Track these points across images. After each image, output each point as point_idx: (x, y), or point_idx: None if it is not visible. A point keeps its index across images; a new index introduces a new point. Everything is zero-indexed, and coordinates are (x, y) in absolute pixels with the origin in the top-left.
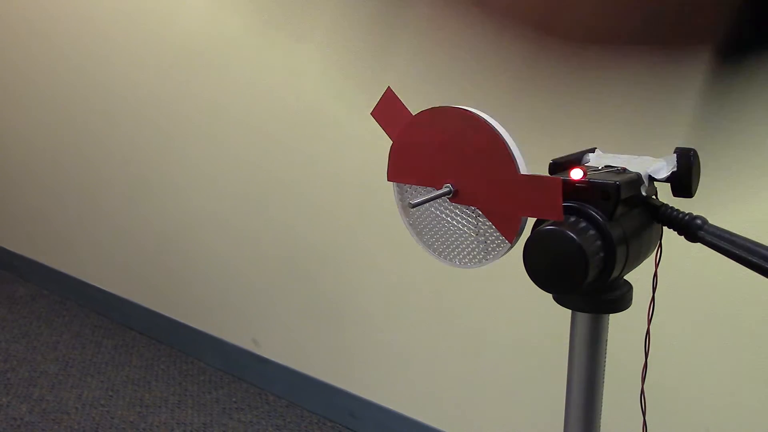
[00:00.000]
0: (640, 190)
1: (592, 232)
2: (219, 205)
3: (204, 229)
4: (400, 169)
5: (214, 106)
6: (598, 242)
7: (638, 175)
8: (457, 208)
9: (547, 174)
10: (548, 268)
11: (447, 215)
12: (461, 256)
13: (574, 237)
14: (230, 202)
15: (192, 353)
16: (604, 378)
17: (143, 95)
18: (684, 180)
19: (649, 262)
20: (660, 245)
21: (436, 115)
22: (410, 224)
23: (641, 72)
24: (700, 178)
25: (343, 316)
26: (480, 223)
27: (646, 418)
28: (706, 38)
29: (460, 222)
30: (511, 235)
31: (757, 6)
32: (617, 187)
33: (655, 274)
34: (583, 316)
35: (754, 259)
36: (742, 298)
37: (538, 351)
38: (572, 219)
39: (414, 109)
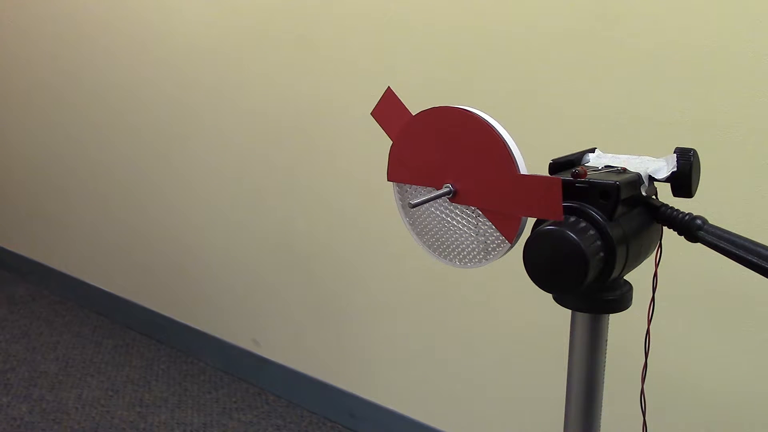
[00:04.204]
0: (640, 190)
1: (592, 232)
2: (220, 204)
3: (204, 228)
4: (400, 169)
5: (216, 104)
6: (598, 242)
7: (638, 175)
8: (457, 208)
9: (547, 174)
10: (548, 268)
11: (447, 215)
12: (461, 256)
13: (574, 237)
14: (230, 201)
15: (192, 353)
16: (604, 378)
17: (145, 92)
18: (684, 180)
19: (649, 262)
20: (660, 245)
21: (436, 115)
22: (410, 224)
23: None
24: (700, 178)
25: (343, 316)
26: (480, 223)
27: (646, 418)
28: None
29: (460, 222)
30: (511, 235)
31: None
32: (617, 187)
33: (655, 274)
34: (583, 316)
35: (754, 259)
36: (742, 298)
37: (538, 351)
38: (572, 219)
39: (414, 109)
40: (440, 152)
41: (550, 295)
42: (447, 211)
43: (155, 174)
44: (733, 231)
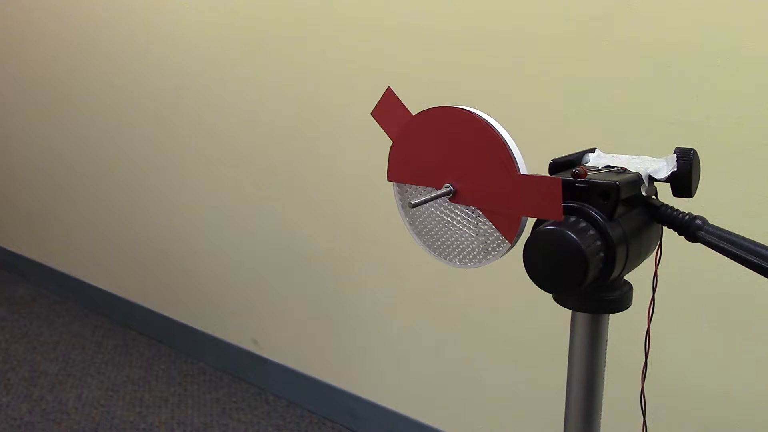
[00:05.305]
0: (640, 190)
1: (592, 232)
2: (220, 205)
3: (204, 228)
4: (400, 169)
5: (216, 104)
6: (598, 242)
7: (638, 175)
8: (457, 208)
9: (547, 174)
10: (548, 268)
11: (447, 215)
12: (461, 256)
13: (574, 237)
14: (231, 201)
15: (192, 353)
16: (604, 378)
17: (145, 92)
18: (684, 180)
19: (649, 262)
20: (660, 245)
21: (436, 115)
22: (410, 224)
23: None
24: (700, 178)
25: (343, 316)
26: (480, 223)
27: (646, 418)
28: None
29: (460, 222)
30: (511, 235)
31: None
32: (617, 187)
33: (655, 274)
34: (583, 316)
35: (754, 259)
36: (742, 298)
37: (538, 351)
38: (572, 219)
39: (414, 109)
40: (440, 152)
41: (550, 295)
42: (447, 211)
43: (155, 174)
44: (733, 231)
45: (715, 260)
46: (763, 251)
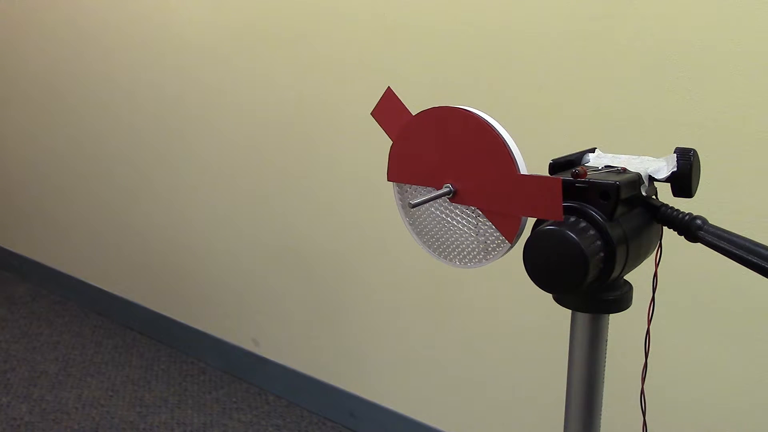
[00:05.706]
0: (640, 190)
1: (592, 232)
2: (220, 204)
3: (204, 228)
4: (400, 169)
5: (216, 104)
6: (598, 242)
7: (638, 175)
8: (457, 208)
9: (547, 174)
10: (548, 268)
11: (447, 215)
12: (461, 256)
13: (574, 237)
14: (231, 201)
15: (192, 353)
16: (604, 378)
17: (144, 92)
18: (684, 180)
19: (649, 262)
20: (660, 245)
21: (435, 115)
22: (410, 224)
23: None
24: (701, 178)
25: (343, 316)
26: (480, 223)
27: (646, 418)
28: None
29: (460, 222)
30: (511, 235)
31: None
32: (617, 187)
33: (655, 274)
34: (583, 316)
35: (754, 259)
36: (742, 299)
37: (538, 351)
38: (572, 219)
39: (414, 109)
40: (440, 152)
41: (550, 295)
42: (447, 211)
43: (155, 174)
44: (733, 231)
45: (715, 260)
46: (763, 251)
